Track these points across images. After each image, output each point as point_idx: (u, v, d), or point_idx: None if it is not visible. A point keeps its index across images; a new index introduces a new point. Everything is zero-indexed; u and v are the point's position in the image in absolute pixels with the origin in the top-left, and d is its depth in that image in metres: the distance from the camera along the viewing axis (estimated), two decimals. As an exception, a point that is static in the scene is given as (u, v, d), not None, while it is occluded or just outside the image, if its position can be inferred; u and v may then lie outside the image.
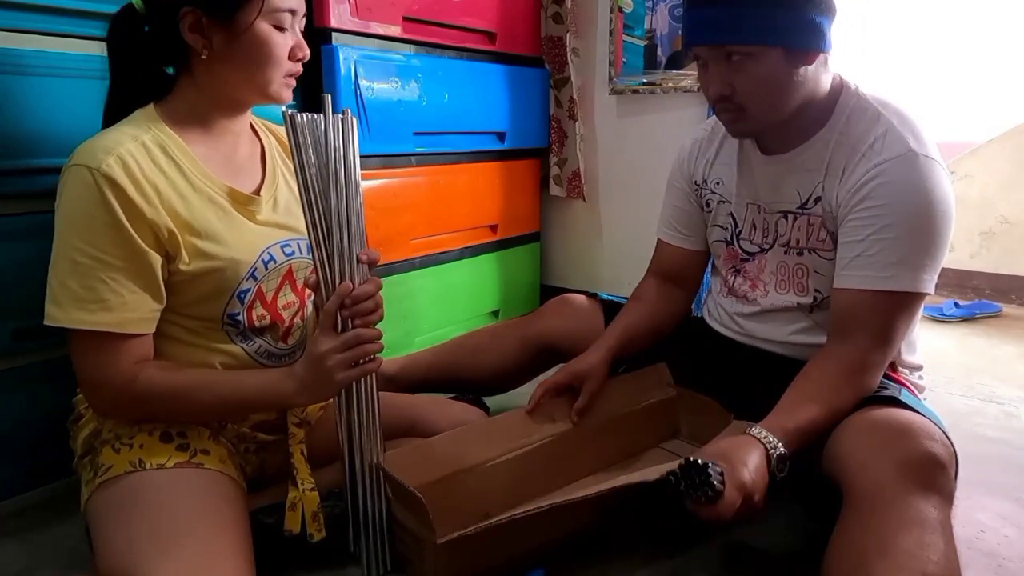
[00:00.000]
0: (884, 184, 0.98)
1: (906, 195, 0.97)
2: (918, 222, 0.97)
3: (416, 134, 1.70)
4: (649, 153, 2.07)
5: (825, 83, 1.04)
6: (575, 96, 2.07)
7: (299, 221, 1.03)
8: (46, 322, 0.85)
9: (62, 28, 1.11)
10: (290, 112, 0.90)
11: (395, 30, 1.62)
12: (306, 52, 0.95)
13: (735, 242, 1.20)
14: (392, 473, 0.95)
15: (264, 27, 0.89)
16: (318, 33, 1.47)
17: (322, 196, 0.91)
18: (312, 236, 0.92)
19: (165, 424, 0.93)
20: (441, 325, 1.88)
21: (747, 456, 0.88)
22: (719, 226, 1.23)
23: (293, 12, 0.91)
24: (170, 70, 0.96)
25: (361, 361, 0.92)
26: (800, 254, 1.11)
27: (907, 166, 0.98)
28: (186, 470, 0.90)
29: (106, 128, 0.92)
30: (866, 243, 0.99)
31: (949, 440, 0.94)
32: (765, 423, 0.94)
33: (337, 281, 0.92)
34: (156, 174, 0.88)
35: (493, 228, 2.04)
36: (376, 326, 0.94)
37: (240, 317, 0.96)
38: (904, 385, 1.08)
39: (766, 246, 1.15)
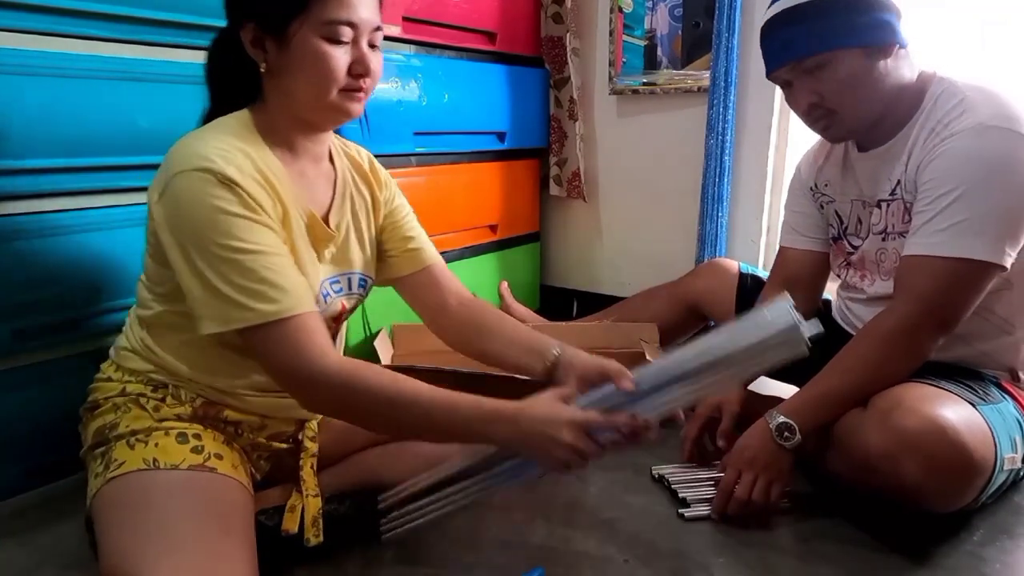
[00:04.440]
0: (946, 153, 1.00)
1: (967, 162, 0.98)
2: (976, 188, 0.97)
3: (416, 134, 1.70)
4: (649, 153, 2.07)
5: (909, 76, 1.08)
6: (575, 96, 2.07)
7: (356, 256, 1.04)
8: (228, 327, 0.82)
9: (62, 28, 1.10)
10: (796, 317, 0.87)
11: (395, 30, 1.62)
12: (367, 68, 0.89)
13: (843, 237, 1.26)
14: None
15: (313, 40, 0.85)
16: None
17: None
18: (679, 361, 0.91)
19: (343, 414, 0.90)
20: (441, 325, 1.88)
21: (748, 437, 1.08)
22: (829, 225, 1.29)
23: (352, 25, 0.87)
24: None
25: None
26: (894, 239, 1.13)
27: (974, 136, 0.98)
28: (199, 473, 0.89)
29: (201, 128, 0.91)
30: (923, 213, 1.02)
31: (997, 455, 0.97)
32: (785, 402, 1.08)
33: (645, 409, 0.89)
34: (265, 184, 0.87)
35: (493, 228, 2.04)
36: None
37: None
38: (1019, 402, 1.07)
39: (868, 237, 1.19)
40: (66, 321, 1.16)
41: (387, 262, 1.10)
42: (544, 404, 0.88)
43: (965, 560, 1.01)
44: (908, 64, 1.08)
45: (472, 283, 1.98)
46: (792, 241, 1.36)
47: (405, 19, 1.64)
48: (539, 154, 2.18)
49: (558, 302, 2.32)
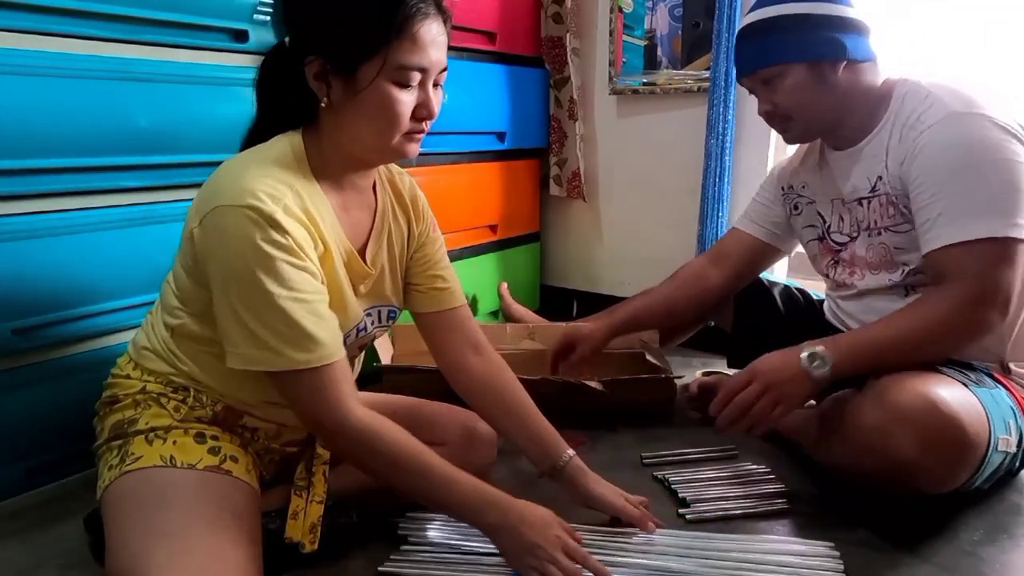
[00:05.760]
0: (928, 146, 1.05)
1: (951, 150, 1.03)
2: (970, 173, 1.02)
3: (416, 134, 1.70)
4: (649, 153, 2.07)
5: (870, 83, 1.15)
6: (575, 96, 2.07)
7: (389, 291, 1.04)
8: (257, 368, 0.84)
9: (62, 28, 1.10)
10: None
11: (395, 30, 1.62)
12: (432, 111, 0.89)
13: (827, 236, 1.30)
14: None
15: (384, 85, 0.84)
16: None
17: None
18: None
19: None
20: (441, 325, 1.88)
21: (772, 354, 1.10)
22: (811, 225, 1.33)
23: (423, 70, 0.85)
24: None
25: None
26: (879, 234, 1.18)
27: (948, 125, 1.04)
28: (213, 475, 0.89)
29: (247, 149, 0.90)
30: (930, 207, 1.05)
31: (990, 434, 0.99)
32: None
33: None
34: (308, 224, 0.86)
35: (493, 228, 2.04)
36: None
37: None
38: (1014, 395, 1.08)
39: (854, 234, 1.24)
40: (66, 321, 1.16)
41: (411, 294, 1.09)
42: (540, 510, 0.93)
43: (965, 560, 1.01)
44: (870, 73, 1.15)
45: (472, 283, 1.98)
46: (741, 223, 1.46)
47: (405, 19, 1.63)
48: (539, 154, 2.18)
49: (558, 302, 2.32)
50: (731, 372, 1.65)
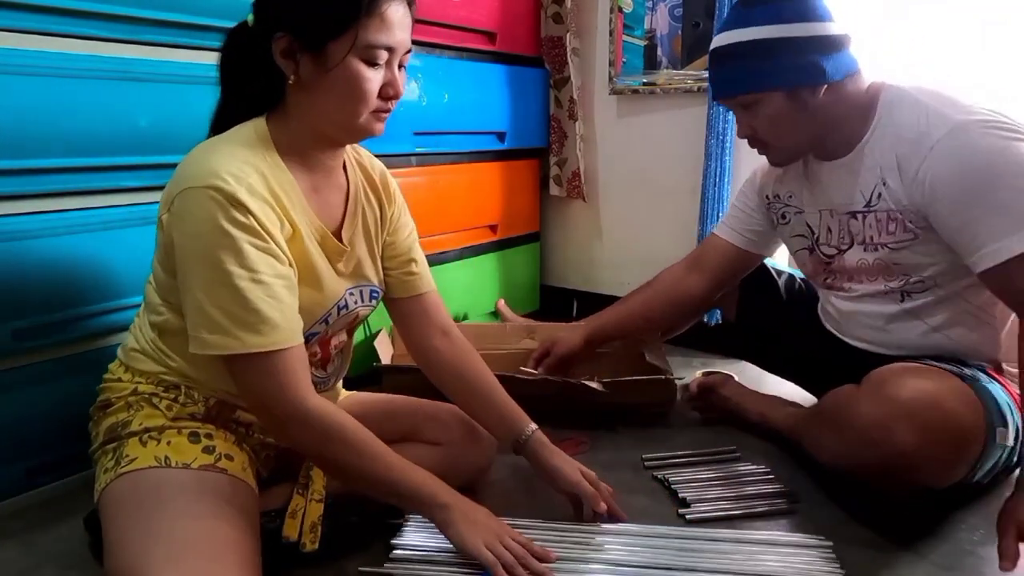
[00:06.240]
0: (942, 163, 1.01)
1: (970, 166, 0.99)
2: (1000, 181, 0.98)
3: (416, 134, 1.70)
4: (649, 153, 2.07)
5: (852, 96, 1.11)
6: (575, 96, 2.07)
7: (368, 270, 1.04)
8: (212, 352, 0.83)
9: (62, 28, 1.10)
10: None
11: (395, 30, 1.62)
12: (398, 90, 0.91)
13: (816, 248, 1.26)
14: None
15: (353, 62, 0.85)
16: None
17: None
18: None
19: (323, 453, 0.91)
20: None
21: None
22: (799, 235, 1.30)
23: (390, 49, 0.87)
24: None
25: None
26: (876, 249, 1.15)
27: (957, 138, 1.00)
28: (209, 473, 0.89)
29: (214, 136, 0.91)
30: (970, 227, 1.01)
31: (989, 426, 0.99)
32: None
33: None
34: (275, 205, 0.87)
35: (493, 228, 2.04)
36: None
37: None
38: (1009, 391, 1.08)
39: (844, 247, 1.21)
40: (66, 321, 1.16)
41: (384, 280, 1.10)
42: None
43: (965, 559, 1.02)
44: (852, 85, 1.11)
45: (472, 283, 1.98)
46: (720, 229, 1.43)
47: (405, 19, 1.64)
48: (539, 154, 2.18)
49: (558, 302, 2.32)
50: (730, 372, 1.66)
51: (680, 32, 1.91)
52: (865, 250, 1.17)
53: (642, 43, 1.98)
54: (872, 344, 1.23)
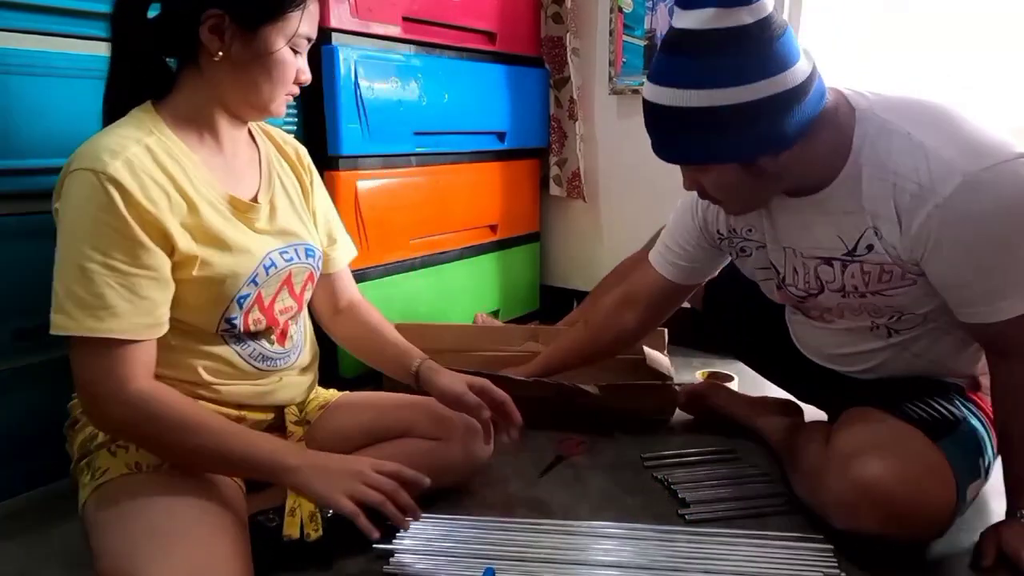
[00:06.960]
0: (954, 230, 0.90)
1: (982, 230, 0.89)
2: (1010, 239, 0.90)
3: (416, 134, 1.70)
4: (649, 153, 2.04)
5: (819, 142, 0.94)
6: (575, 96, 2.07)
7: (297, 227, 1.04)
8: (52, 331, 0.82)
9: (62, 28, 1.10)
10: None
11: (395, 30, 1.62)
12: (308, 77, 0.97)
13: (783, 287, 1.15)
14: None
15: (282, 48, 0.91)
16: (318, 33, 1.47)
17: None
18: None
19: (144, 451, 0.91)
20: (441, 325, 1.88)
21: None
22: (763, 268, 1.18)
23: (310, 40, 0.95)
24: (172, 62, 0.96)
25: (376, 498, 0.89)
26: (863, 296, 1.04)
27: (967, 193, 0.87)
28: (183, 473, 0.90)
29: (106, 126, 0.91)
30: (980, 283, 0.93)
31: (957, 485, 0.95)
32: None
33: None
34: (161, 178, 0.86)
35: (493, 228, 2.04)
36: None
37: (237, 321, 0.96)
38: (983, 411, 1.06)
39: (813, 291, 1.09)
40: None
41: None
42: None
43: (965, 560, 1.02)
44: (820, 126, 0.92)
45: (472, 283, 1.98)
46: (655, 259, 1.29)
47: (405, 19, 1.64)
48: (539, 154, 2.18)
49: (558, 302, 2.32)
50: (730, 372, 1.66)
51: (680, 32, 1.91)
52: (844, 296, 1.06)
53: (642, 43, 1.98)
54: (843, 368, 1.18)
